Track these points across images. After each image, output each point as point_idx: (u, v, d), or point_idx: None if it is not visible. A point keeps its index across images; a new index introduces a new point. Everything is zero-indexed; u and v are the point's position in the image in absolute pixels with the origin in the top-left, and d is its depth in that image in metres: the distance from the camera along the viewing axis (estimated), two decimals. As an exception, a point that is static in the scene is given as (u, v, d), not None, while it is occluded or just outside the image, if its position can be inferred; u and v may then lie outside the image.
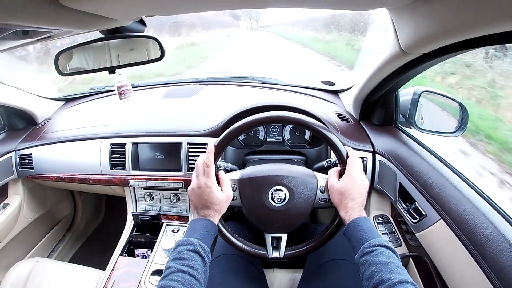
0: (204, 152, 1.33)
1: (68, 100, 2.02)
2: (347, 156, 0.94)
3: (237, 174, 1.02)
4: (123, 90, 1.18)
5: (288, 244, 1.01)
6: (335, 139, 0.93)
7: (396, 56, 0.94)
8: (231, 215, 1.35)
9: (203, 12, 0.82)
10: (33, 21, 0.56)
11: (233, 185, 0.99)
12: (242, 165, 1.39)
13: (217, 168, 0.98)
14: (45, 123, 1.81)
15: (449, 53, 0.79)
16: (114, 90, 1.77)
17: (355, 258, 0.81)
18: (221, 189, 0.92)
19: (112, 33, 1.00)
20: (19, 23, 0.53)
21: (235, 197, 0.99)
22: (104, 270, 1.34)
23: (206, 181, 0.89)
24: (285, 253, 1.01)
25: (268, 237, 1.01)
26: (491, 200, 0.88)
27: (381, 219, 1.31)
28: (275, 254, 1.01)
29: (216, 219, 0.90)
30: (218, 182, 0.94)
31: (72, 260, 2.11)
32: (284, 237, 1.01)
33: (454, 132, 1.19)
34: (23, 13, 0.50)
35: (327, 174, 1.00)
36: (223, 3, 0.71)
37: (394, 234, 1.25)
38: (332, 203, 0.94)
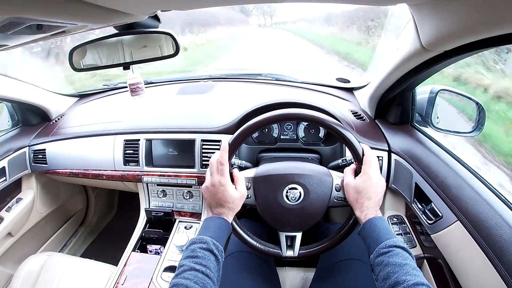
0: (218, 149, 1.34)
1: (81, 96, 2.04)
2: (363, 154, 0.93)
3: (251, 172, 1.01)
4: (135, 88, 1.19)
5: (301, 243, 1.01)
6: (351, 137, 0.92)
7: (417, 53, 0.92)
8: (244, 213, 1.34)
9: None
10: (48, 15, 0.55)
11: (247, 183, 0.99)
12: (256, 163, 1.38)
13: (231, 166, 0.97)
14: (58, 119, 1.83)
15: (472, 50, 0.77)
16: (127, 87, 1.79)
17: (370, 258, 0.80)
18: (235, 187, 0.91)
19: (126, 29, 1.00)
20: (34, 17, 0.53)
21: (249, 195, 0.98)
22: (116, 266, 1.35)
23: (220, 179, 0.89)
24: (300, 252, 1.00)
25: (283, 235, 1.00)
26: (509, 202, 0.86)
27: (396, 220, 1.30)
28: (289, 253, 1.00)
29: (230, 218, 0.90)
30: (232, 180, 0.93)
31: (84, 255, 2.13)
32: (299, 236, 1.00)
33: (470, 132, 1.17)
34: (39, 7, 0.50)
35: (342, 172, 0.99)
36: None
37: (408, 235, 1.23)
38: (348, 201, 0.93)
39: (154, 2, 0.70)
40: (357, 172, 0.93)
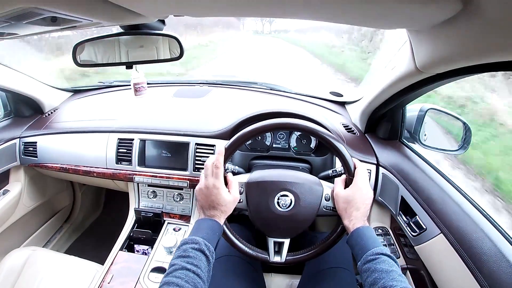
0: (212, 153, 1.36)
1: (76, 91, 2.03)
2: (355, 168, 0.96)
3: (245, 178, 1.04)
4: (139, 87, 1.20)
5: (288, 250, 1.03)
6: (343, 150, 0.96)
7: (410, 74, 0.96)
8: (234, 218, 1.36)
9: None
10: (67, 9, 0.56)
11: (240, 188, 1.01)
12: (247, 169, 1.40)
13: (225, 170, 0.99)
14: (52, 113, 1.82)
15: (463, 74, 0.81)
16: (122, 86, 1.79)
17: (358, 265, 0.83)
18: (229, 191, 0.93)
19: (133, 29, 1.02)
20: (53, 9, 0.54)
21: (241, 200, 1.00)
22: (101, 264, 1.35)
23: (214, 182, 0.91)
24: (287, 258, 1.02)
25: (271, 241, 1.02)
26: (491, 217, 0.90)
27: (381, 231, 1.33)
28: (277, 259, 1.02)
29: (221, 220, 0.92)
30: (226, 184, 0.95)
31: (68, 252, 2.11)
32: (287, 242, 1.02)
33: (456, 150, 1.21)
34: (58, 0, 0.52)
35: (332, 183, 1.03)
36: (252, 11, 0.73)
37: (392, 246, 1.27)
38: (337, 211, 0.96)
39: (170, 7, 0.72)
40: (347, 183, 0.97)
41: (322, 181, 1.04)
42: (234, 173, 1.14)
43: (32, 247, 1.49)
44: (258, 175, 1.04)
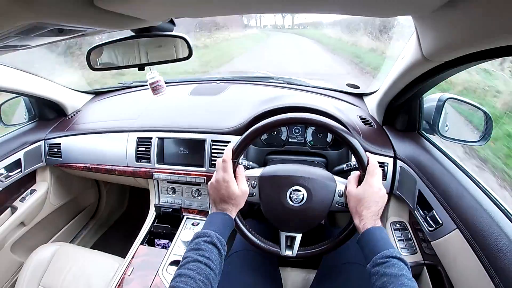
0: None
1: (97, 93, 2.10)
2: (368, 163, 0.94)
3: (258, 172, 1.05)
4: (155, 86, 1.22)
5: (303, 244, 1.03)
6: (356, 144, 0.94)
7: (418, 63, 0.94)
8: (252, 213, 1.37)
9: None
10: (69, 21, 0.59)
11: (253, 182, 1.02)
12: (263, 164, 1.39)
13: (235, 164, 1.00)
14: (74, 115, 1.89)
15: (471, 61, 0.79)
16: (142, 86, 1.82)
17: (367, 267, 0.81)
18: (238, 185, 0.94)
19: (143, 32, 1.04)
20: (56, 23, 0.57)
21: (254, 194, 1.01)
22: (124, 258, 1.39)
23: (223, 175, 0.92)
24: (298, 252, 1.02)
25: (283, 235, 1.03)
26: (508, 212, 0.87)
27: (398, 226, 1.31)
28: (288, 253, 1.03)
29: (233, 213, 0.93)
30: (236, 178, 0.96)
31: (93, 247, 2.19)
32: (299, 236, 1.02)
33: (478, 141, 1.16)
34: (60, 14, 0.54)
35: (346, 177, 1.01)
36: (251, 7, 0.73)
37: (410, 241, 1.25)
38: (348, 208, 0.95)
39: (168, 10, 0.74)
40: (360, 180, 0.95)
41: (335, 176, 1.03)
42: (248, 168, 1.16)
43: (59, 242, 1.57)
44: (271, 169, 1.05)
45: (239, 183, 0.95)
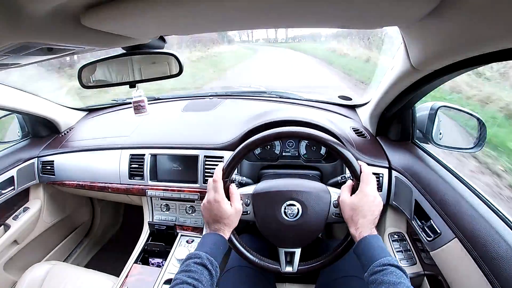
0: None
1: (90, 110, 2.09)
2: (361, 172, 0.93)
3: (251, 189, 1.03)
4: (137, 106, 1.22)
5: (301, 259, 1.01)
6: (348, 154, 0.93)
7: (408, 73, 0.95)
8: (246, 228, 1.35)
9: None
10: (57, 40, 0.59)
11: (246, 200, 1.01)
12: (257, 179, 1.40)
13: (232, 182, 0.99)
14: (67, 132, 1.88)
15: (459, 69, 0.79)
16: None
17: (364, 276, 0.80)
18: (231, 204, 0.93)
19: (133, 49, 1.04)
20: (43, 42, 0.56)
21: (248, 212, 1.00)
22: (118, 277, 1.37)
23: (214, 196, 0.92)
24: (299, 267, 1.00)
25: (282, 251, 1.01)
26: (507, 218, 0.86)
27: (396, 237, 1.29)
28: (288, 269, 1.00)
29: (226, 233, 0.92)
30: (229, 197, 0.95)
31: (88, 266, 2.15)
32: (298, 252, 1.00)
33: (472, 148, 1.17)
34: (48, 33, 0.53)
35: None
36: (236, 24, 0.73)
37: (409, 252, 1.23)
38: (343, 219, 0.93)
39: (155, 29, 0.74)
40: (354, 190, 0.94)
41: (329, 187, 1.02)
42: (242, 184, 1.14)
43: (53, 261, 1.53)
44: (263, 185, 1.03)
45: (232, 201, 0.94)
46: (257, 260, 1.01)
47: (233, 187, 0.97)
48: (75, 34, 0.59)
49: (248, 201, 1.01)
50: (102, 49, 0.84)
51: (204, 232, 1.50)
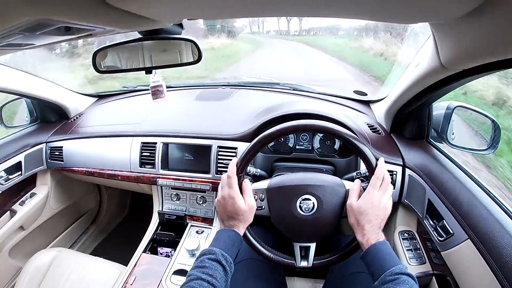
0: (234, 156, 1.35)
1: (100, 96, 2.08)
2: (376, 166, 0.92)
3: (265, 184, 1.02)
4: (155, 91, 1.20)
5: (314, 254, 1.01)
6: (364, 149, 0.92)
7: (435, 70, 0.92)
8: (257, 221, 1.35)
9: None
10: (78, 19, 0.56)
11: (261, 195, 1.00)
12: (270, 172, 1.39)
13: (247, 174, 0.98)
14: (77, 118, 1.87)
15: (490, 70, 0.78)
16: (146, 90, 1.81)
17: (375, 284, 0.79)
18: (244, 200, 0.93)
19: (150, 34, 1.02)
20: (64, 20, 0.54)
21: (263, 207, 0.99)
22: (125, 265, 1.37)
23: (229, 192, 0.91)
24: (314, 262, 1.00)
25: (297, 246, 1.00)
26: None
27: (407, 235, 1.29)
28: (304, 264, 1.00)
29: (241, 229, 0.92)
30: (243, 192, 0.95)
31: (93, 253, 2.16)
32: (313, 246, 1.00)
33: (485, 149, 1.16)
34: (69, 10, 0.51)
35: None
36: (263, 11, 0.71)
37: (418, 251, 1.23)
38: (350, 224, 0.91)
39: (182, 11, 0.71)
40: (361, 193, 0.92)
41: (344, 181, 1.01)
42: (256, 176, 1.14)
43: (59, 248, 1.54)
44: (278, 180, 1.02)
45: (245, 198, 0.93)
46: (271, 255, 1.00)
47: (246, 182, 0.96)
48: (97, 13, 0.56)
49: (263, 196, 1.00)
50: (121, 31, 0.82)
51: (215, 222, 1.50)
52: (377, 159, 0.93)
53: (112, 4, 0.54)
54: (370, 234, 0.85)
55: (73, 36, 0.74)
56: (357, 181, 0.96)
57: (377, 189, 0.89)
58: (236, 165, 0.95)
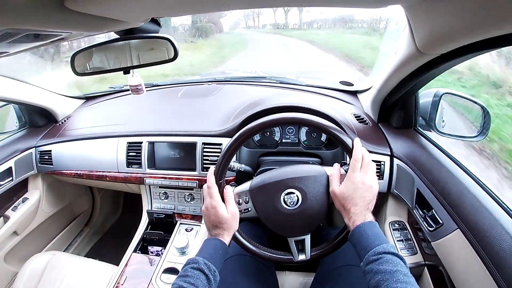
0: (219, 152, 1.34)
1: (88, 98, 2.07)
2: (353, 147, 0.90)
3: (247, 185, 1.01)
4: (134, 89, 1.20)
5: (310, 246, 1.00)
6: (338, 132, 0.90)
7: (413, 56, 0.91)
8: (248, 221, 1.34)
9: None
10: (40, 25, 0.56)
11: (245, 197, 0.99)
12: (256, 166, 1.38)
13: (231, 170, 0.97)
14: (65, 121, 1.86)
15: (468, 53, 0.76)
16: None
17: (361, 265, 0.78)
18: (226, 208, 0.92)
19: (126, 34, 1.01)
20: (27, 27, 0.53)
21: (249, 208, 0.98)
22: (118, 266, 1.36)
23: (210, 201, 0.92)
24: (312, 254, 0.98)
25: (291, 241, 0.99)
26: (511, 210, 0.84)
27: (397, 225, 1.28)
28: (302, 257, 0.99)
29: (226, 238, 0.91)
30: (225, 200, 0.94)
31: (88, 255, 2.16)
32: (308, 238, 0.98)
33: (475, 136, 1.14)
34: (29, 18, 0.51)
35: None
36: (229, 3, 0.70)
37: (409, 242, 1.22)
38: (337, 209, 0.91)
39: (145, 10, 0.70)
40: (342, 178, 0.91)
41: (325, 167, 0.98)
42: (241, 172, 1.12)
43: (53, 251, 1.53)
44: (259, 179, 1.00)
45: (228, 206, 0.93)
46: (268, 254, 0.99)
47: (227, 190, 0.96)
48: (59, 18, 0.55)
49: (247, 198, 0.99)
50: (90, 34, 0.80)
51: (203, 219, 1.49)
52: (353, 140, 0.91)
53: (71, 8, 0.53)
54: (357, 216, 0.84)
55: (44, 42, 0.73)
56: (336, 165, 0.95)
57: (357, 171, 0.87)
58: (214, 174, 0.94)
